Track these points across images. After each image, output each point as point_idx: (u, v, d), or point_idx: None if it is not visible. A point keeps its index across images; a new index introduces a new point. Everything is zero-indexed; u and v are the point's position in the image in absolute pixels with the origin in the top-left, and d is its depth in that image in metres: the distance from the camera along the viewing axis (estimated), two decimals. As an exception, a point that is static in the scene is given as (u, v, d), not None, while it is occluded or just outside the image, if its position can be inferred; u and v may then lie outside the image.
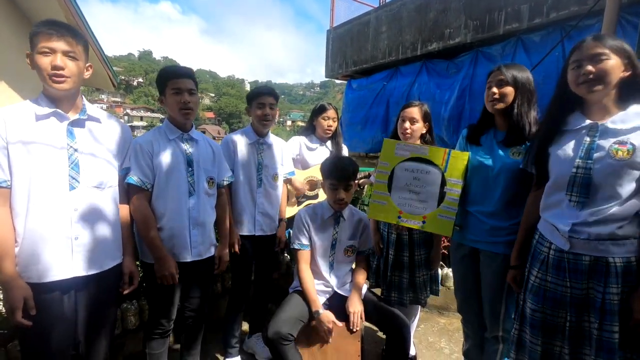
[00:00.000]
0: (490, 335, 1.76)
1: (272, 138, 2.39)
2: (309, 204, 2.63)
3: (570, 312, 1.27)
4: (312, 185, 2.72)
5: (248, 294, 2.38)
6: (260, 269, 2.44)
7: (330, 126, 2.69)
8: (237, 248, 2.19)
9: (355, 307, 1.89)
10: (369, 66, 7.02)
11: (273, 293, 2.65)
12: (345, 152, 2.84)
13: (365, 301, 1.96)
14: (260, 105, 2.22)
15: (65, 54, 1.32)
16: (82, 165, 1.41)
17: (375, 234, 2.19)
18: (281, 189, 2.43)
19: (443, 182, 1.82)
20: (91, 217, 1.43)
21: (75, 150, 1.40)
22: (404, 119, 2.09)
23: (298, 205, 2.73)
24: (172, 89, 1.74)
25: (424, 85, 5.87)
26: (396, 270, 2.13)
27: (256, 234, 2.29)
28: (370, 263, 2.21)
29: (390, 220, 1.91)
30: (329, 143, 2.79)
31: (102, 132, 1.51)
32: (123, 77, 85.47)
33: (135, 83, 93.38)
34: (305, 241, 2.02)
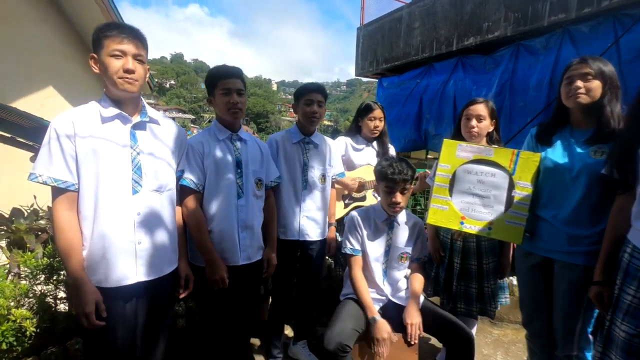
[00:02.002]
0: (563, 354, 1.62)
1: (319, 137, 2.30)
2: (357, 207, 2.58)
3: None
4: (360, 186, 2.63)
5: (291, 299, 2.33)
6: (305, 275, 2.35)
7: (377, 126, 2.60)
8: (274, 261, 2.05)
9: (414, 319, 1.79)
10: (400, 63, 6.87)
11: (318, 299, 2.59)
12: (392, 152, 2.75)
13: (424, 311, 1.85)
14: (308, 102, 2.15)
15: (135, 57, 1.35)
16: (144, 168, 1.42)
17: (434, 241, 2.10)
18: (329, 191, 2.32)
19: (511, 186, 1.70)
20: (152, 221, 1.44)
21: (138, 153, 1.41)
22: (469, 116, 1.99)
23: (345, 208, 2.66)
24: (221, 89, 1.75)
25: (460, 82, 5.67)
26: (462, 279, 2.02)
27: (300, 239, 2.20)
28: (427, 271, 2.10)
29: (452, 226, 1.80)
30: (375, 143, 2.72)
31: (161, 133, 1.53)
32: (157, 80, 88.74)
33: (167, 85, 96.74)
34: (357, 246, 1.93)
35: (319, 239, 2.26)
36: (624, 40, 3.74)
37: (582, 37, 4.20)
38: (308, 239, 2.21)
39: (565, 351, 1.59)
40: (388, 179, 1.82)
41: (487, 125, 1.99)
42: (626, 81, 3.66)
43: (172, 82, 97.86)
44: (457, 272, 2.01)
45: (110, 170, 1.34)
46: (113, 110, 1.37)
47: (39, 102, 4.91)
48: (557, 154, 1.62)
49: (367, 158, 2.65)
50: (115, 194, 1.35)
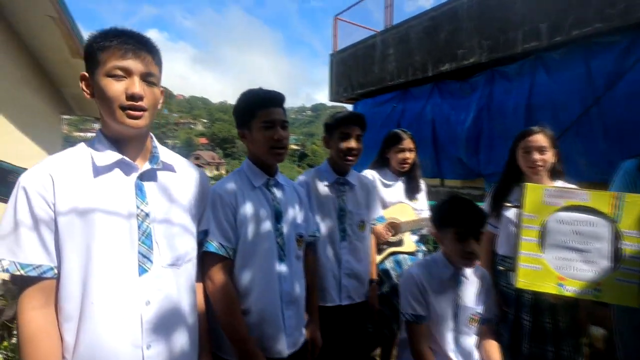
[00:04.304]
0: None
1: (354, 176, 1.93)
2: (393, 253, 2.24)
3: None
4: (396, 229, 2.24)
5: None
6: (349, 348, 1.85)
7: (407, 159, 2.26)
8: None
9: None
10: (376, 88, 6.93)
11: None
12: (423, 187, 2.43)
13: None
14: (343, 135, 1.78)
15: (144, 77, 0.96)
16: (155, 236, 1.01)
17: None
18: (369, 240, 1.94)
19: (616, 236, 1.41)
20: (167, 313, 1.00)
21: (147, 215, 1.00)
22: (528, 149, 1.75)
23: (379, 255, 2.23)
24: (262, 121, 1.37)
25: (437, 106, 5.76)
26: (535, 340, 1.72)
27: (343, 304, 1.79)
28: (500, 333, 1.75)
29: (549, 289, 1.48)
30: (404, 178, 2.37)
31: (178, 184, 1.11)
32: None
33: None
34: (422, 311, 1.53)
35: (361, 300, 1.86)
36: (595, 65, 3.93)
37: (554, 64, 4.38)
38: (350, 302, 1.81)
39: None
40: (459, 224, 1.48)
41: (550, 157, 1.75)
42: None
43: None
44: (528, 331, 1.71)
45: (108, 242, 0.93)
46: (111, 156, 0.97)
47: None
48: None
49: (398, 195, 2.32)
50: (115, 277, 0.93)
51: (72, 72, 4.95)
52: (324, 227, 1.80)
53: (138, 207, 0.99)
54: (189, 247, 1.12)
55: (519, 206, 1.55)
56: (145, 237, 0.99)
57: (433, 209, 1.65)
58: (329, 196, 1.83)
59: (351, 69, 7.54)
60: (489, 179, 5.07)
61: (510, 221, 1.82)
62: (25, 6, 4.23)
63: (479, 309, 1.59)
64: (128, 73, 0.94)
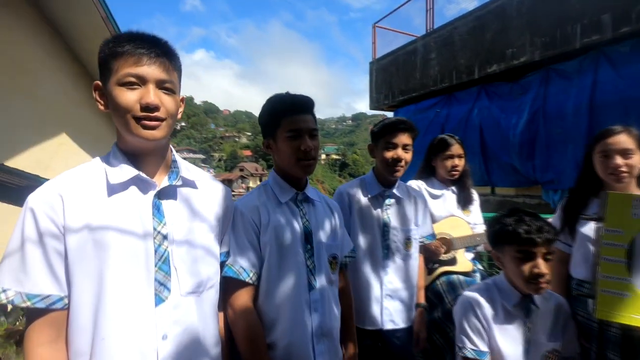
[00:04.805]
0: None
1: (402, 188, 1.77)
2: (446, 273, 1.99)
3: None
4: (448, 246, 1.99)
5: None
6: None
7: (456, 166, 2.05)
8: None
9: None
10: (418, 94, 6.70)
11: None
12: (476, 197, 2.20)
13: None
14: (390, 145, 1.62)
15: (160, 84, 0.87)
16: (175, 260, 0.91)
17: None
18: (417, 259, 1.75)
19: None
20: (186, 347, 0.90)
21: (165, 237, 0.90)
22: (607, 153, 1.48)
23: (428, 274, 2.00)
24: (288, 130, 1.20)
25: (485, 110, 5.43)
26: None
27: (384, 328, 1.63)
28: None
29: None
30: (454, 187, 2.16)
31: (200, 202, 1.01)
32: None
33: (178, 127, 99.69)
34: (482, 346, 1.29)
35: (406, 325, 1.67)
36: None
37: (621, 58, 3.94)
38: (393, 326, 1.64)
39: None
40: (523, 241, 1.24)
41: (637, 161, 1.46)
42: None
43: (183, 124, 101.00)
44: None
45: (121, 269, 0.84)
46: (127, 172, 0.89)
47: (52, 150, 4.78)
48: None
49: (448, 207, 2.10)
50: (128, 308, 0.84)
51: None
52: (365, 243, 1.66)
53: (155, 229, 0.89)
54: (212, 271, 1.00)
55: (599, 219, 1.30)
56: (163, 262, 0.89)
57: (490, 223, 1.41)
58: (372, 209, 1.68)
59: (392, 75, 7.38)
60: (547, 186, 4.65)
61: (587, 238, 1.52)
62: (91, 36, 4.64)
63: (556, 345, 1.32)
64: (142, 81, 0.85)
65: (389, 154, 1.62)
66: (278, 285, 1.17)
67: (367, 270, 1.64)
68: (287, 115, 1.22)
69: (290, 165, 1.23)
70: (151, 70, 0.85)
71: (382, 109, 8.00)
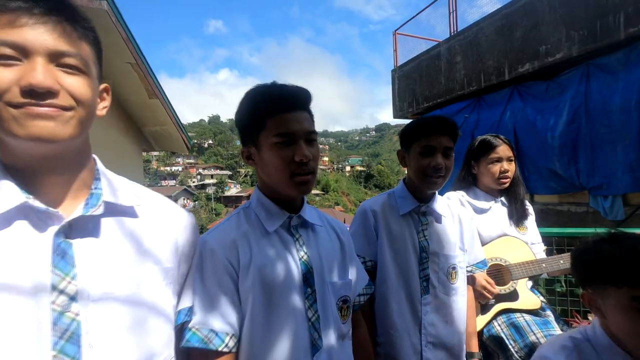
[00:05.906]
0: None
1: (442, 203, 1.42)
2: (506, 310, 1.62)
3: None
4: (505, 275, 1.64)
5: None
6: None
7: (506, 171, 1.69)
8: None
9: None
10: (444, 100, 6.43)
11: None
12: (531, 210, 1.82)
13: None
14: (426, 150, 1.29)
15: (56, 58, 0.57)
16: (90, 334, 0.58)
17: None
18: (465, 295, 1.39)
19: None
20: None
21: (73, 298, 0.58)
22: None
23: (482, 314, 1.62)
24: (277, 134, 0.88)
25: (519, 112, 5.07)
26: None
27: None
28: None
29: None
30: (503, 197, 1.80)
31: (143, 237, 0.68)
32: (196, 141, 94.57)
33: (206, 145, 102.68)
34: None
35: None
36: None
37: (674, 46, 3.55)
38: None
39: None
40: (637, 282, 0.86)
41: None
42: None
43: (210, 141, 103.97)
44: None
45: None
46: (9, 197, 0.57)
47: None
48: None
49: (499, 224, 1.71)
50: None
51: (149, 112, 5.40)
52: (397, 274, 1.31)
53: (55, 287, 0.57)
54: (160, 341, 0.66)
55: None
56: (67, 341, 0.56)
57: (575, 256, 1.02)
58: (405, 231, 1.34)
59: (415, 82, 7.14)
60: (595, 192, 4.22)
61: None
62: (111, 56, 4.73)
63: None
64: (24, 53, 0.55)
65: (426, 161, 1.29)
66: (267, 351, 0.84)
67: (402, 310, 1.29)
68: (274, 114, 0.89)
69: (281, 182, 0.90)
70: (38, 35, 0.55)
71: (407, 117, 7.74)
